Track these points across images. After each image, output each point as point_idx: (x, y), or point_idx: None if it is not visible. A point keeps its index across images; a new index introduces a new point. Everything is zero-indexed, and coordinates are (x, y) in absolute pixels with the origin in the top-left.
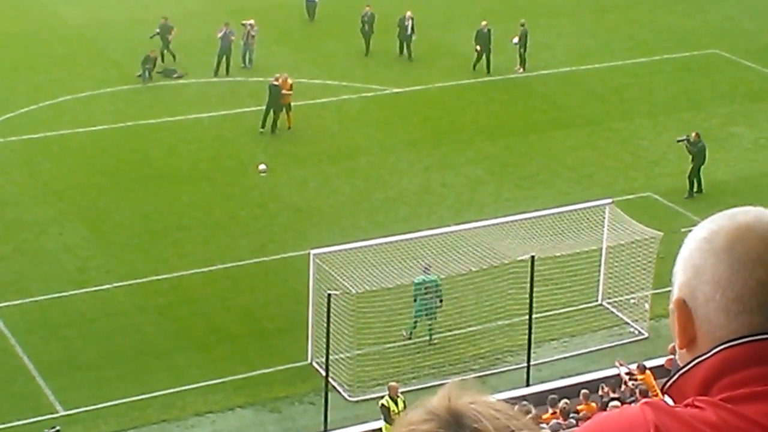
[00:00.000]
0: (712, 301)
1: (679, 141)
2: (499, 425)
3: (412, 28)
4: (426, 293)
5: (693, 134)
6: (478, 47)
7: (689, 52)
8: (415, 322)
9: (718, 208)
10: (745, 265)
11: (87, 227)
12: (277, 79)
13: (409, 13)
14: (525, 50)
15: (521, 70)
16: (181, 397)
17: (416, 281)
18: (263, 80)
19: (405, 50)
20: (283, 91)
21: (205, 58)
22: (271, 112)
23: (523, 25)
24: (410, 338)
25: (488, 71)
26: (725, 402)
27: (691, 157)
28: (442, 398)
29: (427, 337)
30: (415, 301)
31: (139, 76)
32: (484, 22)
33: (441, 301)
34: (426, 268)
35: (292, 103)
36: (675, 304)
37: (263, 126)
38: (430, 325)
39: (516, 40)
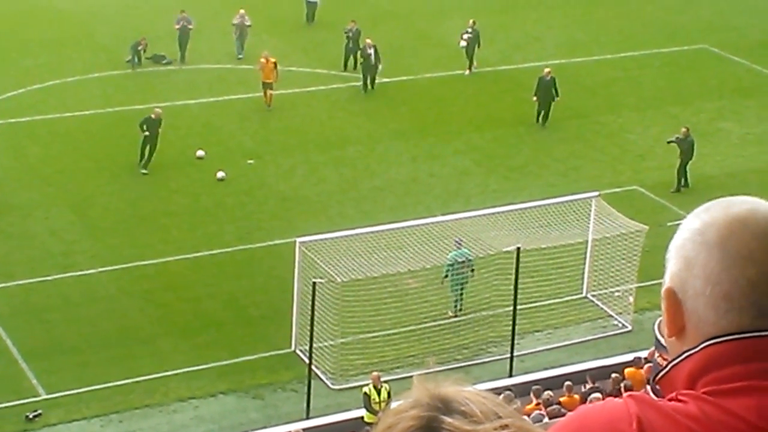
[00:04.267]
0: (701, 296)
1: (669, 142)
2: (486, 410)
3: (377, 58)
4: (461, 267)
5: (682, 129)
6: (535, 97)
7: (678, 47)
8: (457, 297)
9: (713, 201)
10: (736, 262)
11: (73, 211)
12: (156, 114)
13: (369, 41)
14: (474, 51)
15: (467, 72)
16: (165, 383)
17: (450, 258)
18: (251, 68)
19: (369, 83)
20: (259, 67)
21: (194, 45)
22: (147, 147)
23: (473, 25)
24: (457, 315)
25: (544, 122)
26: (708, 396)
27: (679, 151)
28: (427, 386)
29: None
30: (445, 276)
31: (128, 61)
32: (547, 70)
33: (473, 270)
34: (458, 242)
35: (276, 82)
36: (665, 293)
37: (141, 162)
38: (460, 296)
39: (463, 43)
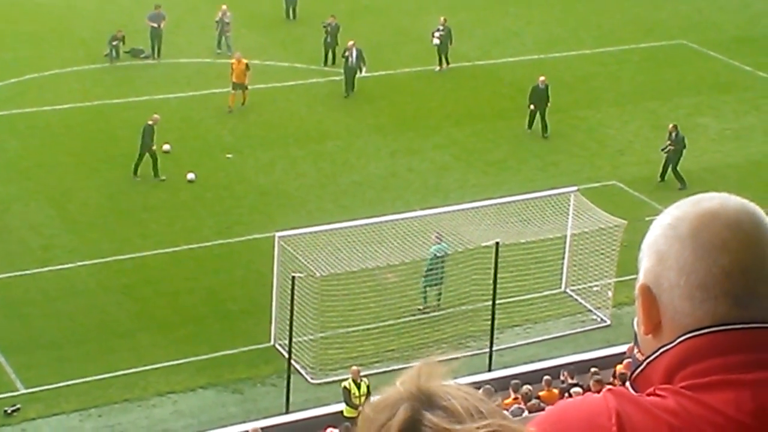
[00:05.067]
0: (676, 288)
1: (664, 150)
2: (468, 405)
3: (361, 60)
4: (439, 262)
5: (670, 127)
6: (532, 106)
7: (657, 42)
8: (426, 292)
9: (683, 199)
10: (710, 251)
11: (52, 206)
12: (153, 120)
13: (351, 43)
14: (448, 49)
15: (438, 69)
16: (144, 377)
17: (431, 252)
18: (231, 62)
19: (349, 86)
20: (231, 68)
21: (173, 39)
22: (138, 155)
23: (444, 23)
24: (423, 311)
25: (545, 132)
26: (686, 390)
27: (672, 150)
28: (413, 377)
29: (426, 304)
30: (428, 271)
31: (107, 55)
32: (542, 78)
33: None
34: (438, 236)
35: (248, 84)
36: (639, 290)
37: (135, 173)
38: (439, 290)
39: (436, 41)
